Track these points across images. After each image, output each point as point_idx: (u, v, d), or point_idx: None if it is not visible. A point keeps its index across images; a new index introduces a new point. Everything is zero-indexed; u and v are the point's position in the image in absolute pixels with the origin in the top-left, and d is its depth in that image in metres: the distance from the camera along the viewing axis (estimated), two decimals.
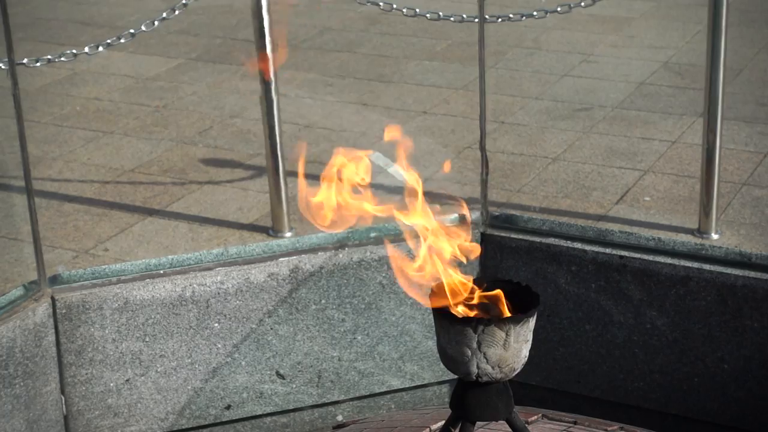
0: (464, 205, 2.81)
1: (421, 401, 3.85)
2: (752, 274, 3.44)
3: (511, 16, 4.35)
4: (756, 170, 4.29)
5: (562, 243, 3.65)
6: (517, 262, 3.69)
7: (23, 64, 3.81)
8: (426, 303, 2.32)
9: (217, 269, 3.56)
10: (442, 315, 2.31)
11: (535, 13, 4.32)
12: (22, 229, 3.92)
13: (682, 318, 3.53)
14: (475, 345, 2.24)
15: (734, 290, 3.44)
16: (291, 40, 6.03)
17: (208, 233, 3.93)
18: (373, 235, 3.67)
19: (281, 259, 3.61)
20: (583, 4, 4.23)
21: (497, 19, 4.33)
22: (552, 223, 3.74)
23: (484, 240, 3.74)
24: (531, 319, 2.30)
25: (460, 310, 2.30)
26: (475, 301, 2.33)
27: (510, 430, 2.38)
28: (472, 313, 2.31)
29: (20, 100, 3.38)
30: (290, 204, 3.94)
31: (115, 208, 4.16)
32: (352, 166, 2.36)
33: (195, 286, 3.53)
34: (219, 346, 3.59)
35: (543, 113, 4.95)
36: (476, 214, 3.79)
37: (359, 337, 3.71)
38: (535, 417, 3.02)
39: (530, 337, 2.31)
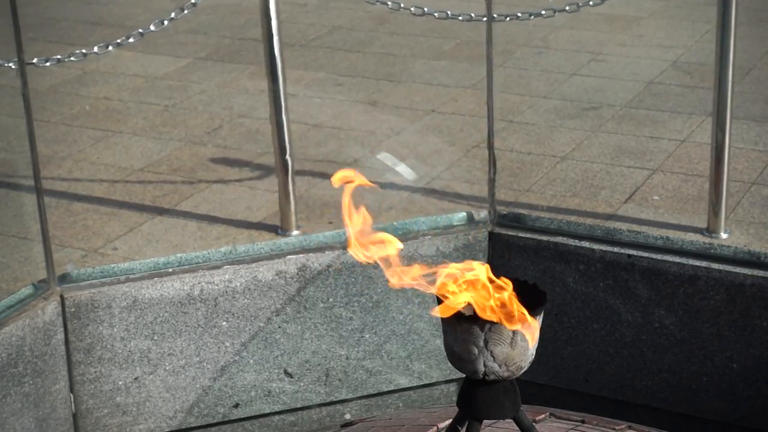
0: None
1: (428, 400, 3.85)
2: (761, 273, 3.43)
3: (519, 15, 4.35)
4: (765, 169, 4.28)
5: (570, 242, 3.64)
6: (524, 261, 3.69)
7: (33, 63, 3.81)
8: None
9: (225, 268, 3.57)
10: None
11: (543, 12, 4.31)
12: (31, 228, 3.93)
13: (691, 317, 3.53)
14: (482, 343, 2.24)
15: (743, 289, 3.43)
16: (300, 39, 6.03)
17: (217, 232, 3.93)
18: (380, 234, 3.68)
19: (289, 257, 3.62)
20: (591, 2, 4.22)
21: (505, 18, 4.32)
22: (560, 222, 3.74)
23: (492, 239, 3.74)
24: (538, 318, 2.30)
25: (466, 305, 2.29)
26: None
27: (517, 428, 2.38)
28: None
29: (30, 99, 3.39)
30: (298, 203, 3.95)
31: (124, 207, 4.17)
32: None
33: (203, 284, 3.54)
34: (227, 344, 3.59)
35: (551, 112, 4.94)
36: (484, 213, 3.79)
37: (367, 336, 3.71)
38: (543, 416, 3.02)
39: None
